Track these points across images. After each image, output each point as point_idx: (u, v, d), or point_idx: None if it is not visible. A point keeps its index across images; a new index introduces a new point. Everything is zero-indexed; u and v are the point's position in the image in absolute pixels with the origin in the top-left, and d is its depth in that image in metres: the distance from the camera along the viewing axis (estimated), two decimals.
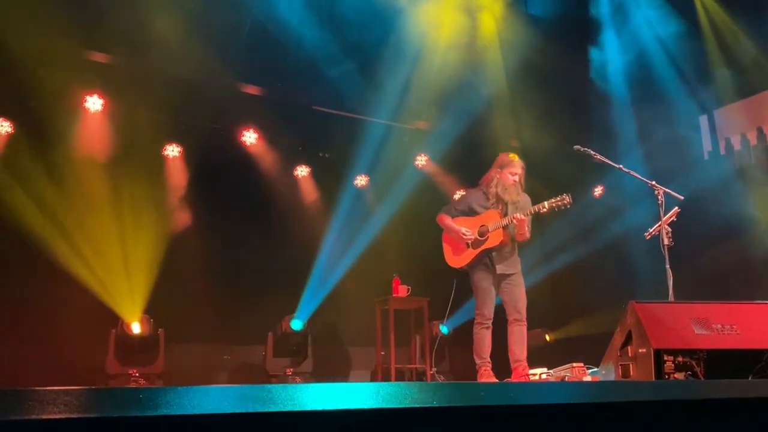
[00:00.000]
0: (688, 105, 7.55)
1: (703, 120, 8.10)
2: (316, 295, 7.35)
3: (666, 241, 4.29)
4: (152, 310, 6.53)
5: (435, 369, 7.57)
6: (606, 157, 4.71)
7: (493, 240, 4.85)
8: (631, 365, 3.35)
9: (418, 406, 1.34)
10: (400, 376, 7.50)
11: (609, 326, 4.18)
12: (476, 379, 4.91)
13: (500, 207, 4.94)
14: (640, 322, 3.27)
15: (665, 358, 3.13)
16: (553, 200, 4.71)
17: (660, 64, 7.51)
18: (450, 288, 8.00)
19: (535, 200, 4.96)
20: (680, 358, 3.14)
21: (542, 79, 7.34)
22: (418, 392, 1.37)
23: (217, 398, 1.29)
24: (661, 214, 4.36)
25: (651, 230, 4.48)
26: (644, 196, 5.06)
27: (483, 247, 4.87)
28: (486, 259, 4.90)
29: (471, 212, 5.04)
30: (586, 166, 5.74)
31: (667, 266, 4.19)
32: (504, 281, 4.91)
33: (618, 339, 3.50)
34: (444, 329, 7.87)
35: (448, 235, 5.12)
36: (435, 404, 1.35)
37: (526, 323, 4.88)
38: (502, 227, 4.83)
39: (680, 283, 4.24)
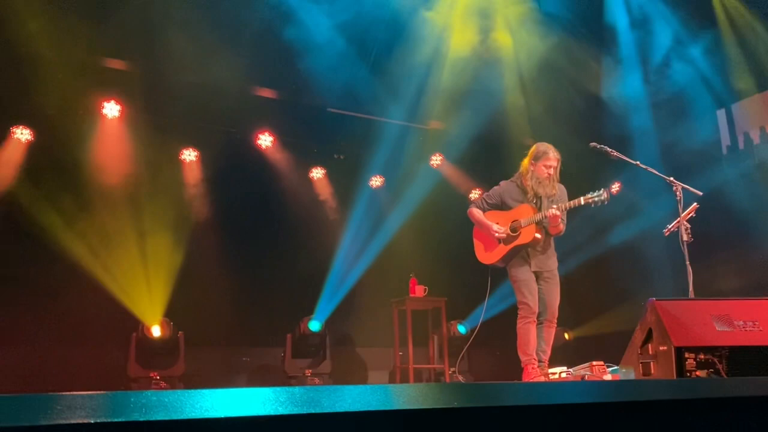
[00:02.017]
0: (705, 99, 7.47)
1: (721, 114, 8.02)
2: (334, 297, 7.37)
3: (685, 237, 4.24)
4: (172, 314, 6.59)
5: (454, 369, 7.57)
6: (622, 154, 4.67)
7: (525, 236, 4.70)
8: (652, 363, 3.31)
9: (439, 407, 1.35)
10: (419, 376, 7.50)
11: (628, 324, 4.14)
12: (497, 379, 4.86)
13: (534, 201, 4.79)
14: (660, 320, 3.24)
15: (686, 355, 3.09)
16: (590, 196, 4.60)
17: (677, 58, 7.44)
18: (467, 285, 8.01)
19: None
20: (702, 356, 3.09)
21: (557, 77, 7.31)
22: (439, 392, 1.38)
23: (246, 401, 1.30)
24: (680, 210, 4.31)
25: (670, 226, 4.42)
26: (662, 192, 5.01)
27: (515, 244, 4.73)
28: (523, 252, 4.76)
29: (503, 206, 4.88)
30: (602, 162, 5.68)
31: (687, 262, 4.14)
32: (540, 278, 4.77)
33: (638, 337, 3.46)
34: (462, 328, 7.86)
35: (480, 230, 4.97)
36: (456, 405, 1.35)
37: (555, 326, 4.78)
38: (535, 222, 4.70)
39: (700, 279, 4.19)
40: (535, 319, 4.69)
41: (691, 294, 4.04)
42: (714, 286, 5.68)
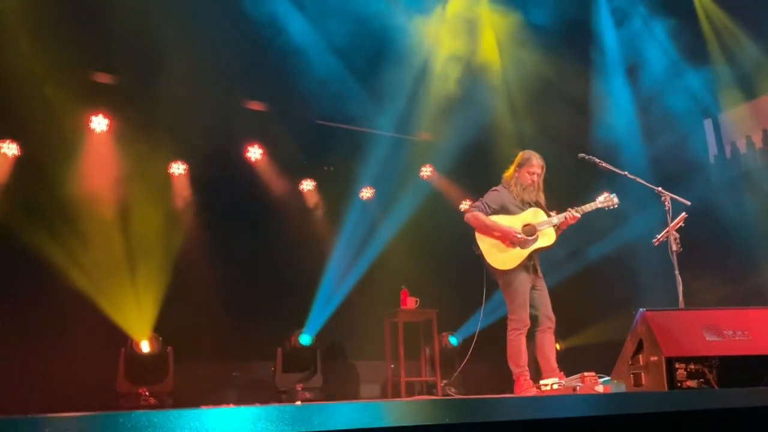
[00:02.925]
0: (693, 109, 7.55)
1: (708, 124, 8.10)
2: (325, 310, 7.34)
3: (674, 247, 4.27)
4: (161, 328, 6.54)
5: (446, 381, 7.54)
6: (611, 164, 4.70)
7: (546, 239, 4.63)
8: (643, 374, 3.32)
9: (431, 423, 1.34)
10: (411, 390, 7.47)
11: (619, 333, 4.14)
12: (489, 391, 4.82)
13: (535, 206, 4.75)
14: (651, 331, 3.25)
15: (677, 366, 3.10)
16: (602, 200, 4.65)
17: (663, 69, 7.52)
18: (459, 297, 8.00)
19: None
20: (692, 366, 3.10)
21: (544, 88, 7.36)
22: (431, 408, 1.38)
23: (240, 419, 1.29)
24: (669, 220, 4.35)
25: (659, 236, 4.46)
26: (651, 202, 5.05)
27: (534, 247, 4.62)
28: (528, 261, 4.65)
29: (505, 211, 4.72)
30: (590, 173, 5.72)
31: (676, 272, 4.17)
32: (537, 285, 4.70)
33: (629, 347, 3.47)
34: (454, 340, 7.85)
35: (487, 235, 4.67)
36: (448, 421, 1.35)
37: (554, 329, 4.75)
38: (554, 225, 4.63)
39: (690, 288, 4.22)
40: (526, 332, 4.63)
41: (681, 304, 4.06)
42: (703, 296, 5.71)
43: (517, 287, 4.61)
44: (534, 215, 4.74)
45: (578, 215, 4.60)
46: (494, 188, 4.88)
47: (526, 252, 4.64)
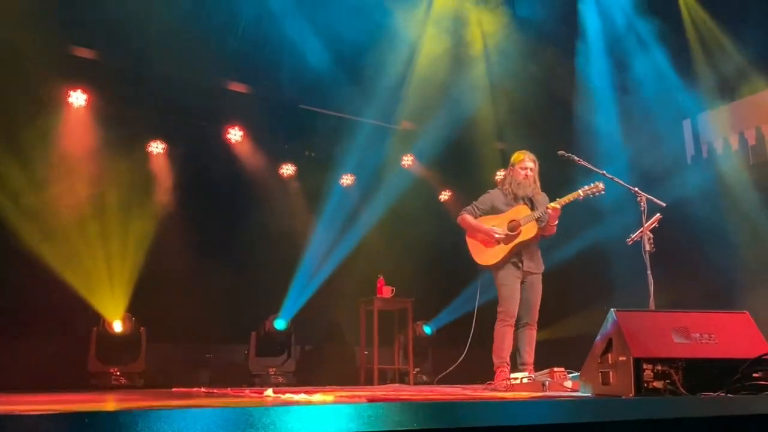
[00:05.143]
0: (672, 109, 7.60)
1: (687, 124, 8.17)
2: (301, 295, 7.31)
3: (648, 248, 4.31)
4: (134, 309, 6.47)
5: (417, 369, 7.59)
6: (590, 162, 4.72)
7: (527, 232, 4.75)
8: (611, 372, 3.35)
9: (398, 429, 1.33)
10: (383, 377, 7.50)
11: (590, 328, 4.19)
12: (462, 381, 4.86)
13: (523, 204, 4.87)
14: (620, 330, 3.28)
15: (644, 366, 3.13)
16: (587, 188, 4.67)
17: (646, 69, 7.55)
18: (435, 287, 8.02)
19: None
20: (659, 367, 3.13)
21: (528, 81, 7.36)
22: (399, 413, 1.36)
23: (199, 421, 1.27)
24: (644, 221, 4.38)
25: (633, 236, 4.49)
26: (627, 201, 5.09)
27: (516, 242, 4.77)
28: (515, 257, 4.80)
29: (494, 211, 4.94)
30: (570, 169, 5.76)
31: (648, 272, 4.21)
32: (527, 280, 4.84)
33: (599, 346, 3.50)
34: (428, 329, 7.88)
35: (474, 235, 4.95)
36: (415, 426, 1.34)
37: (535, 329, 4.85)
38: (535, 219, 4.75)
39: (661, 288, 4.27)
40: (513, 324, 4.78)
41: (652, 304, 4.10)
42: (674, 297, 5.78)
43: (503, 281, 4.81)
44: (518, 211, 4.87)
45: (558, 207, 4.67)
46: (488, 191, 5.11)
47: (508, 247, 4.80)
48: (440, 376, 6.31)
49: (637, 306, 3.86)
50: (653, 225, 4.43)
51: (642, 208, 4.41)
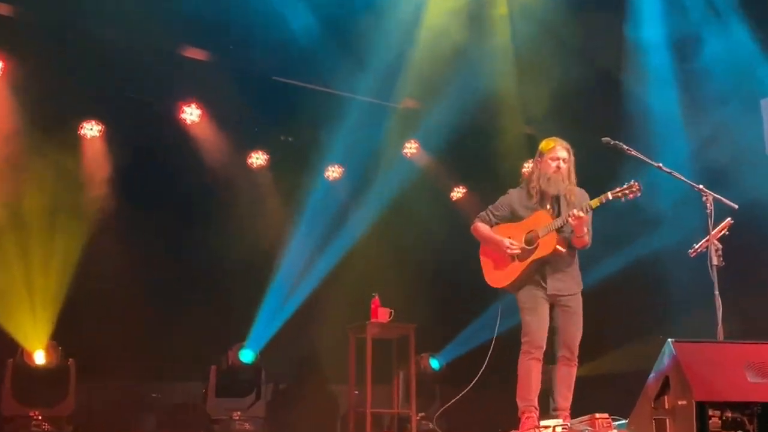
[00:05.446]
0: (748, 88, 7.61)
1: (766, 105, 8.17)
2: (274, 320, 7.36)
3: (715, 261, 4.31)
4: (61, 336, 6.49)
5: (422, 414, 7.59)
6: (642, 153, 4.73)
7: (545, 248, 4.72)
8: (668, 420, 3.38)
9: None
10: (378, 424, 7.50)
11: (641, 364, 4.18)
12: (480, 429, 4.85)
13: (549, 206, 4.84)
14: (680, 367, 3.30)
15: (710, 413, 3.16)
16: (619, 189, 4.63)
17: (715, 37, 7.54)
18: (443, 309, 8.03)
19: None
20: (729, 414, 3.16)
21: (564, 51, 7.37)
22: None
23: None
24: (710, 227, 4.39)
25: (697, 246, 4.51)
26: (689, 203, 5.10)
27: (532, 258, 4.75)
28: (537, 275, 4.78)
29: (514, 217, 4.93)
30: (615, 163, 5.77)
31: (716, 292, 4.21)
32: (558, 304, 4.80)
33: (652, 386, 3.52)
34: (435, 363, 7.90)
35: (488, 248, 4.99)
36: None
37: (576, 364, 4.81)
38: (555, 230, 4.72)
39: (732, 314, 4.28)
40: (540, 357, 4.75)
41: (720, 334, 4.11)
42: (748, 324, 5.80)
43: (526, 304, 4.80)
44: (538, 219, 4.83)
45: (583, 214, 4.63)
46: (508, 191, 5.10)
47: (523, 265, 4.80)
48: (438, 412, 6.33)
49: (702, 336, 3.88)
50: (722, 232, 4.44)
51: (708, 211, 4.41)
